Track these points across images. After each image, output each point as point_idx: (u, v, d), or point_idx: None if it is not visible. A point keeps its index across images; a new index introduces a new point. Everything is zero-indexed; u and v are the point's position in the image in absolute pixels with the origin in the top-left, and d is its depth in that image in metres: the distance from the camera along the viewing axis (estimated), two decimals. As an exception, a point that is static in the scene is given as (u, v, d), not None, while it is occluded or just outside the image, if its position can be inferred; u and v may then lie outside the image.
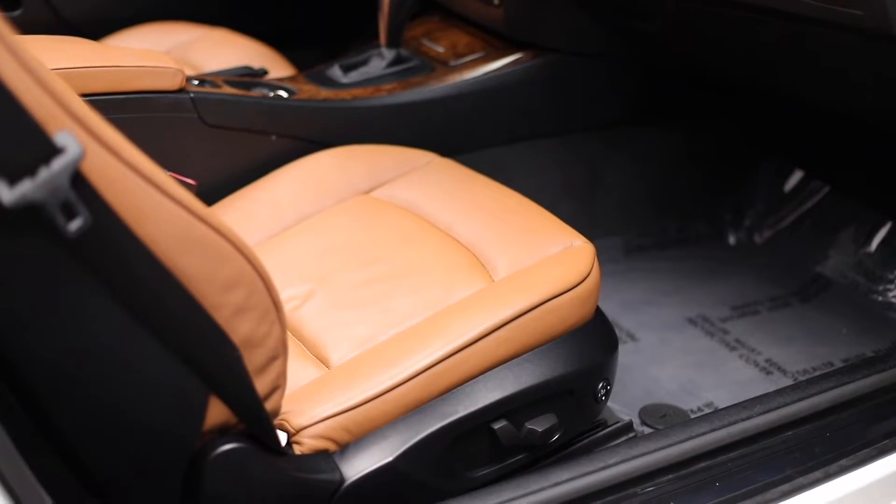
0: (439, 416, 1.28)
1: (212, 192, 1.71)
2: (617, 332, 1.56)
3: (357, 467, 1.22)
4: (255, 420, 1.12)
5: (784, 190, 2.43)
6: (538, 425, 1.37)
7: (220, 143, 1.84)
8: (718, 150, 2.47)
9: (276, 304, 1.09)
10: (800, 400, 1.44)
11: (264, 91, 1.95)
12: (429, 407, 1.29)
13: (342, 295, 1.46)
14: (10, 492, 0.90)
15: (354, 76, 2.08)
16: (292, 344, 1.36)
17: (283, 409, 1.20)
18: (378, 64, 2.12)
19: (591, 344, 1.44)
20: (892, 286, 2.17)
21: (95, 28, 2.32)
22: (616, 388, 1.51)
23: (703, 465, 1.36)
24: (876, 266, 2.21)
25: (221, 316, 1.02)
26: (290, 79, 2.10)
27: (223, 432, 1.11)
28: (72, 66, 1.65)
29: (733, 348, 2.05)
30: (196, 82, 1.87)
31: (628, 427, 1.60)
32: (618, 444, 1.46)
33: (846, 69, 1.81)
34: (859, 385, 1.49)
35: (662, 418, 1.82)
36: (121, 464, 1.07)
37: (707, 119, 2.44)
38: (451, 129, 2.08)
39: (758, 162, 2.48)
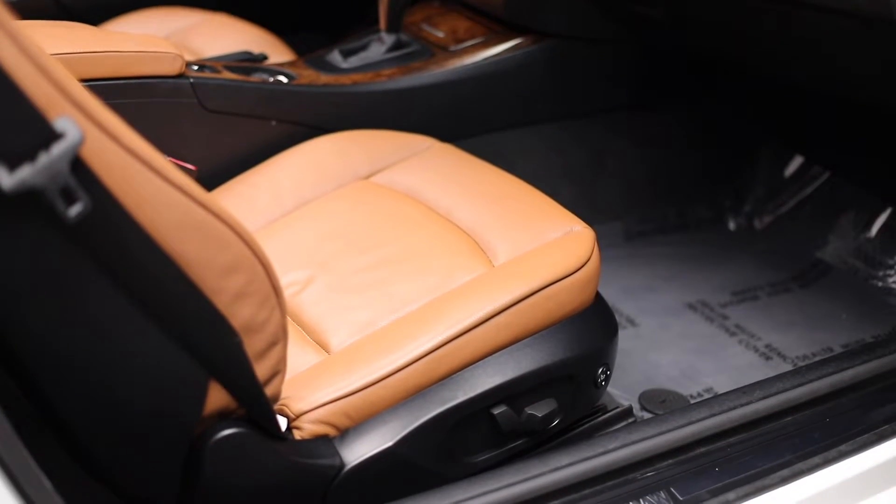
0: (439, 402, 1.29)
1: (211, 178, 1.71)
2: (617, 317, 1.57)
3: (357, 452, 1.22)
4: (256, 405, 1.12)
5: (784, 175, 2.43)
6: (538, 410, 1.37)
7: (220, 128, 1.84)
8: (719, 136, 2.47)
9: (276, 290, 1.09)
10: (799, 385, 1.44)
11: (264, 76, 1.95)
12: (429, 392, 1.29)
13: (342, 280, 1.46)
14: (11, 476, 0.90)
15: (354, 61, 2.08)
16: (292, 329, 1.36)
17: (283, 394, 1.20)
18: (378, 49, 2.11)
19: (590, 329, 1.44)
20: (891, 272, 2.17)
21: (95, 13, 2.32)
22: (616, 373, 1.52)
23: (702, 450, 1.36)
24: (876, 251, 2.21)
25: (221, 301, 1.02)
26: (290, 64, 2.09)
27: (223, 417, 1.11)
28: (71, 51, 1.65)
29: (733, 334, 2.05)
30: (196, 67, 1.87)
31: (628, 412, 1.60)
32: (617, 430, 1.46)
33: (846, 54, 1.80)
34: (859, 370, 1.49)
35: (662, 403, 1.82)
36: (121, 448, 1.07)
37: (707, 105, 2.43)
38: (451, 115, 2.08)
39: (758, 147, 2.48)
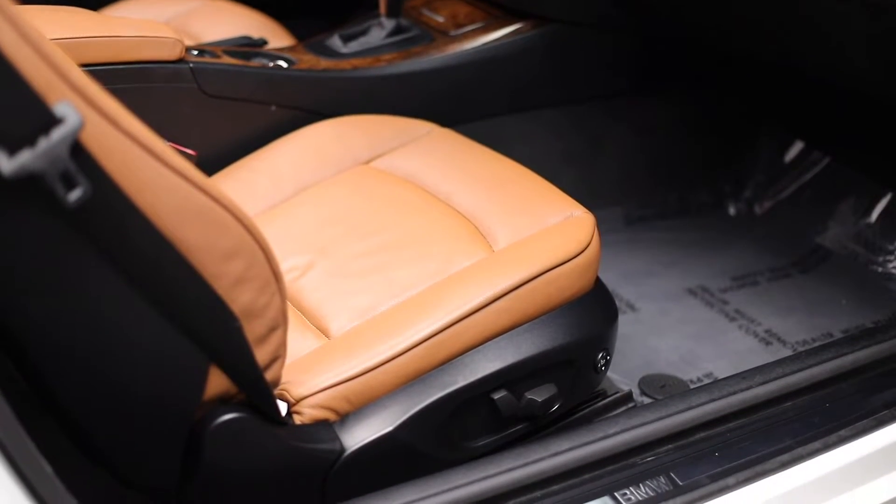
0: (439, 386, 1.29)
1: (211, 163, 1.71)
2: (617, 302, 1.56)
3: (357, 437, 1.23)
4: (256, 390, 1.12)
5: (784, 161, 2.42)
6: (538, 395, 1.37)
7: (220, 113, 1.83)
8: (719, 121, 2.47)
9: (276, 275, 1.09)
10: (799, 370, 1.45)
11: (264, 61, 1.94)
12: (429, 377, 1.29)
13: (342, 265, 1.46)
14: (12, 462, 0.90)
15: (354, 46, 2.07)
16: (292, 314, 1.36)
17: (284, 379, 1.20)
18: (378, 34, 2.11)
19: (590, 314, 1.44)
20: (891, 257, 2.17)
21: (94, -2, 2.31)
22: (616, 358, 1.51)
23: (702, 435, 1.36)
24: (876, 237, 2.21)
25: (221, 286, 1.02)
26: (290, 49, 2.09)
27: (223, 402, 1.11)
28: (71, 36, 1.64)
29: (733, 319, 2.06)
30: (195, 52, 1.87)
31: (628, 397, 1.60)
32: (617, 415, 1.46)
33: (845, 38, 1.80)
34: (858, 356, 1.49)
35: (662, 388, 1.82)
36: (121, 433, 1.08)
37: (708, 90, 2.43)
38: (451, 99, 2.07)
39: (758, 133, 2.47)
